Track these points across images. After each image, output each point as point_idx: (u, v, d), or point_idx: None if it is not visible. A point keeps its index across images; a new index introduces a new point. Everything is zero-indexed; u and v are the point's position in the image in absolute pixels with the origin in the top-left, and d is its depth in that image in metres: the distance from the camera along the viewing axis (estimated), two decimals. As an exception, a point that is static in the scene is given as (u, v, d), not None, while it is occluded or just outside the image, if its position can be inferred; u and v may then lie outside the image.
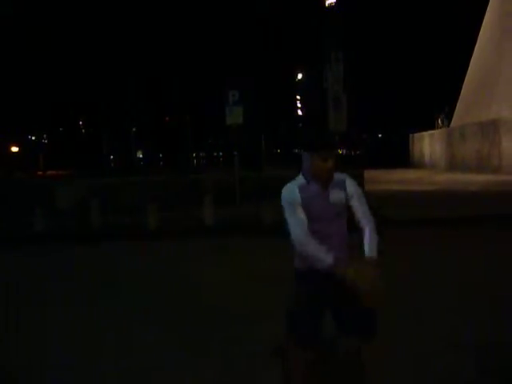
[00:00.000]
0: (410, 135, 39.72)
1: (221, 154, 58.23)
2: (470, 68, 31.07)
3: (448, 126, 34.45)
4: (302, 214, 2.87)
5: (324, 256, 2.77)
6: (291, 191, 2.91)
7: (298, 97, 48.13)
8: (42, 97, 38.09)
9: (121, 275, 7.39)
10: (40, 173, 38.18)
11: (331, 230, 2.93)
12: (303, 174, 2.96)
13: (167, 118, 45.67)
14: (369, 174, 14.91)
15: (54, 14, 35.60)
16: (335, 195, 2.93)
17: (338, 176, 2.98)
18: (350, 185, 2.99)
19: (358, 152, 49.78)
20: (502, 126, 23.88)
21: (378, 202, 12.55)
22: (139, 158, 51.52)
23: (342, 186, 2.96)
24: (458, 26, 37.60)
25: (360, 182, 13.51)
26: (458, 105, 32.54)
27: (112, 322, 5.28)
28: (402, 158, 39.30)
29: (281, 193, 2.95)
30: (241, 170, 14.53)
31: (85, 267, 8.07)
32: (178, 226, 11.25)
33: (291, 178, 3.01)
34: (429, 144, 35.30)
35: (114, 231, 11.03)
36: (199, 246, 9.50)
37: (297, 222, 2.87)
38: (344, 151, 51.03)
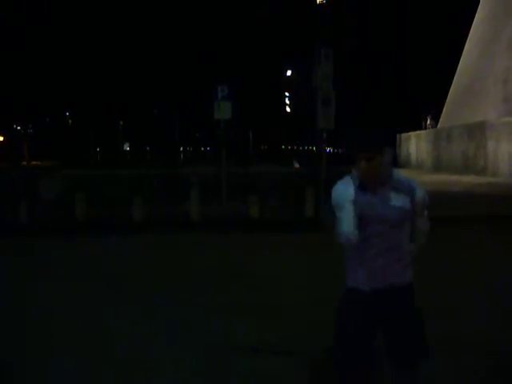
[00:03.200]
0: (397, 135, 39.94)
1: (208, 149, 58.02)
2: (458, 70, 31.30)
3: (435, 127, 34.69)
4: (351, 211, 2.58)
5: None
6: (343, 189, 2.63)
7: (287, 93, 48.12)
8: (28, 86, 37.61)
9: (104, 268, 7.32)
10: (24, 163, 37.78)
11: (384, 239, 2.64)
12: (352, 177, 2.69)
13: (155, 111, 45.40)
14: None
15: (40, 2, 35.16)
16: (394, 201, 2.64)
17: (402, 180, 2.72)
18: (421, 195, 2.69)
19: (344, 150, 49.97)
20: (488, 128, 24.09)
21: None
22: (126, 150, 51.21)
23: (407, 191, 2.67)
24: (448, 28, 37.81)
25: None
26: (445, 106, 32.78)
27: (97, 313, 5.23)
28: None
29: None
30: (227, 165, 14.48)
31: (69, 259, 7.99)
32: (164, 220, 11.17)
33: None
34: (415, 144, 35.53)
35: (99, 224, 10.92)
36: (185, 240, 9.45)
37: (345, 217, 2.59)
38: (331, 149, 51.17)
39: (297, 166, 31.68)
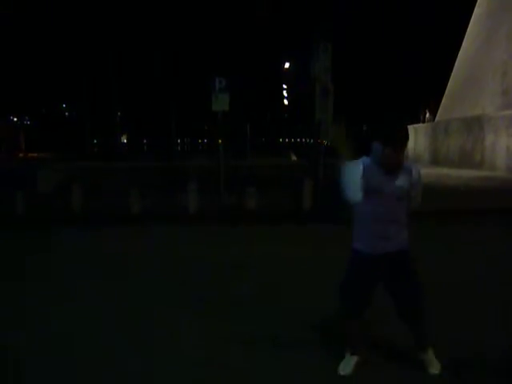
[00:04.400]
0: (395, 128, 39.87)
1: (205, 141, 57.90)
2: (456, 63, 31.24)
3: (433, 121, 34.66)
4: (358, 179, 3.23)
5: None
6: (353, 165, 3.30)
7: (285, 86, 47.99)
8: (24, 78, 37.41)
9: (102, 259, 7.32)
10: (21, 155, 37.64)
11: (391, 211, 3.30)
12: (371, 158, 3.33)
13: (152, 103, 45.22)
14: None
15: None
16: (400, 181, 3.30)
17: (406, 164, 3.36)
18: (416, 173, 3.38)
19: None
20: (487, 122, 24.08)
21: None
22: (123, 142, 51.06)
23: (408, 172, 3.33)
24: (447, 20, 37.72)
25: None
26: (443, 99, 32.74)
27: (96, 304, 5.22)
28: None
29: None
30: (225, 157, 14.44)
31: (66, 251, 7.98)
32: (161, 212, 11.15)
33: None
34: (413, 137, 35.51)
35: (96, 216, 10.90)
36: (182, 232, 9.44)
37: (352, 181, 3.25)
38: (329, 142, 51.02)
39: (294, 158, 31.62)
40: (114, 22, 33.37)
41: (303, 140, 56.71)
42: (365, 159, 3.37)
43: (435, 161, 30.04)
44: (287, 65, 45.82)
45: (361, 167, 3.28)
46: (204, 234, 9.23)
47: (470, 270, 6.45)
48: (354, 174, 3.25)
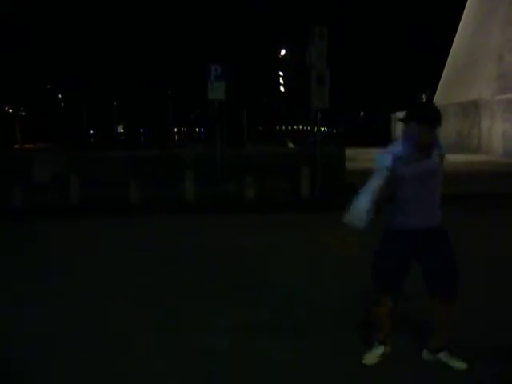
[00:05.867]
0: (392, 114, 39.82)
1: (202, 129, 57.67)
2: (453, 48, 31.10)
3: (429, 106, 34.57)
4: (382, 179, 3.35)
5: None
6: (384, 158, 3.42)
7: (281, 73, 47.72)
8: (19, 68, 37.14)
9: (100, 250, 7.33)
10: (17, 146, 37.46)
11: (425, 190, 3.43)
12: (403, 144, 3.45)
13: (149, 92, 44.98)
14: (349, 151, 14.92)
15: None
16: (432, 160, 3.42)
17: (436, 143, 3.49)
18: (443, 150, 3.51)
19: (339, 130, 49.84)
20: (483, 106, 24.05)
21: (353, 179, 12.59)
22: (120, 132, 50.87)
23: (438, 150, 3.45)
24: (443, 6, 37.50)
25: (341, 159, 13.52)
26: (439, 85, 32.64)
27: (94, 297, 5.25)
28: (384, 136, 39.40)
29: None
30: (222, 145, 14.41)
31: (65, 242, 7.99)
32: (159, 201, 11.15)
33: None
34: (410, 123, 35.43)
35: (94, 206, 10.89)
36: (180, 221, 9.45)
37: (376, 179, 3.36)
38: (326, 129, 51.01)
39: (291, 145, 31.56)
40: (111, 11, 33.12)
41: (300, 127, 56.55)
42: (396, 149, 3.48)
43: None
44: (283, 52, 45.53)
45: (389, 159, 3.41)
46: (201, 223, 9.24)
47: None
48: (383, 165, 3.39)
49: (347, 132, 44.66)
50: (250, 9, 36.15)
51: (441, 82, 32.48)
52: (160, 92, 38.10)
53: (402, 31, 43.51)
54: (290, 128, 61.55)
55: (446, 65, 31.74)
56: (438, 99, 32.23)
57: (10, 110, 48.86)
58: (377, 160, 3.47)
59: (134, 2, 34.31)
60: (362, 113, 56.55)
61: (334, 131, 49.89)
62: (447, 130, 28.19)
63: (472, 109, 25.16)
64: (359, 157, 17.89)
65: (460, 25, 30.46)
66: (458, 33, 30.67)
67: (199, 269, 6.25)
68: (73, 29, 34.55)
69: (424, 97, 37.95)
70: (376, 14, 42.50)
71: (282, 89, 48.46)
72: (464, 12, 30.06)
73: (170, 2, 34.97)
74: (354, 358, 3.72)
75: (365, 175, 3.51)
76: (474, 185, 12.72)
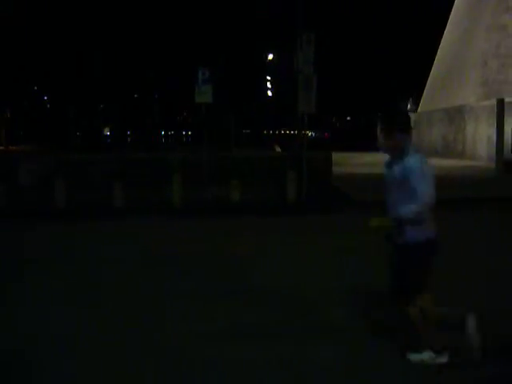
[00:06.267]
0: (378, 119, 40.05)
1: (189, 132, 57.58)
2: (438, 53, 31.45)
3: (416, 111, 34.90)
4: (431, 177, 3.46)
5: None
6: (424, 161, 3.49)
7: (268, 77, 47.87)
8: (5, 69, 36.82)
9: (82, 254, 7.30)
10: (1, 148, 37.11)
11: (393, 198, 3.54)
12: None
13: (135, 95, 44.87)
14: (336, 156, 15.00)
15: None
16: (400, 167, 3.55)
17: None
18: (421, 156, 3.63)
19: (326, 135, 50.07)
20: (468, 112, 24.34)
21: (339, 183, 12.68)
22: (106, 135, 50.64)
23: (414, 157, 3.54)
24: (428, 12, 37.93)
25: (328, 164, 13.57)
26: (425, 90, 32.96)
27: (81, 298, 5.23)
28: (370, 141, 39.63)
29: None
30: (209, 149, 14.41)
31: (49, 245, 7.93)
32: (145, 204, 11.11)
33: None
34: (396, 128, 35.70)
35: (79, 209, 10.83)
36: (166, 225, 9.43)
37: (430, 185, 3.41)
38: (313, 134, 51.20)
39: (278, 150, 31.66)
40: (99, 13, 33.01)
41: (287, 132, 56.76)
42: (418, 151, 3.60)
43: (418, 151, 30.27)
44: (271, 56, 45.69)
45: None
46: (187, 227, 9.22)
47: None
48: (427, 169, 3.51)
49: (333, 136, 44.92)
50: (238, 13, 36.27)
51: (426, 87, 32.81)
52: (147, 95, 38.02)
53: (390, 37, 43.91)
54: (277, 132, 61.72)
55: (432, 71, 32.08)
56: (424, 105, 32.56)
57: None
58: (417, 164, 3.55)
59: (123, 5, 34.22)
60: (349, 118, 56.94)
61: (321, 136, 50.10)
62: (433, 136, 28.51)
63: (457, 114, 25.45)
64: (346, 161, 18.08)
65: (445, 31, 30.83)
66: (443, 39, 31.03)
67: (185, 272, 6.25)
68: (60, 31, 34.35)
69: (409, 102, 38.29)
70: (364, 21, 42.86)
71: (270, 93, 48.63)
72: (449, 19, 30.43)
73: (159, 5, 34.93)
74: (344, 362, 3.75)
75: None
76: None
